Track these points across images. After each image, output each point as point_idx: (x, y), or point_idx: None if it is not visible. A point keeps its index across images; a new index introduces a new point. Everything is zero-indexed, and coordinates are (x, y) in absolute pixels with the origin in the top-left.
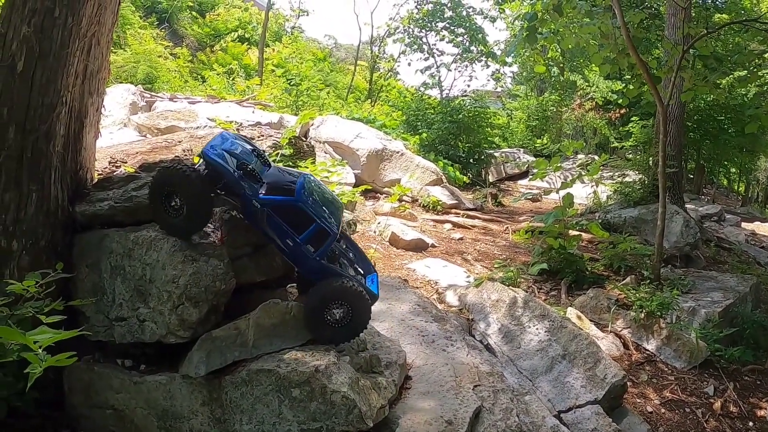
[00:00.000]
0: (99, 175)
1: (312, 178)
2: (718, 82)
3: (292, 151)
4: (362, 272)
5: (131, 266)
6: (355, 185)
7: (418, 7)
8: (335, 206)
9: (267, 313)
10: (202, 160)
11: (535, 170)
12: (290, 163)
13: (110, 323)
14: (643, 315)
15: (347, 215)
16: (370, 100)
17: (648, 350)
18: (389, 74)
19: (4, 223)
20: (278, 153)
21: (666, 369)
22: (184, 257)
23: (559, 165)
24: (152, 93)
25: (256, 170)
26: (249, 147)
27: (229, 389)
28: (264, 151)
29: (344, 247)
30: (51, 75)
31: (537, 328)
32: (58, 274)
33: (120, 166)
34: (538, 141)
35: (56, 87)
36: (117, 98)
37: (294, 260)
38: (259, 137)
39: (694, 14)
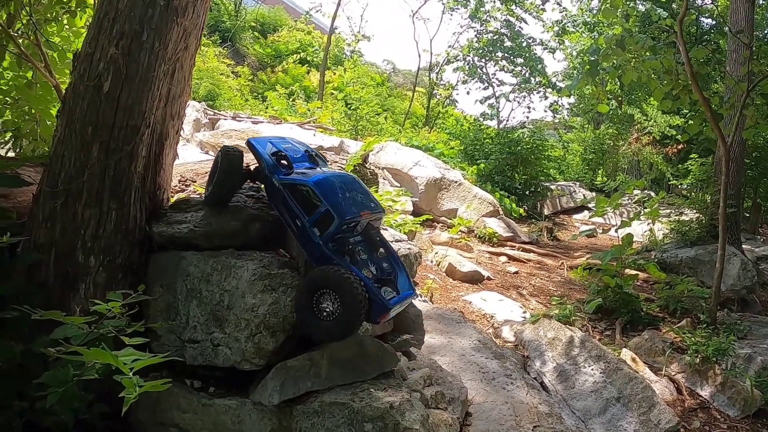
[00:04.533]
0: (170, 194)
1: (347, 176)
2: None
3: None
4: (397, 288)
5: (208, 291)
6: (413, 213)
7: (478, 36)
8: (363, 201)
9: (340, 345)
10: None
11: (590, 204)
12: None
13: (182, 344)
14: (698, 360)
15: (412, 248)
16: (427, 127)
17: (702, 396)
18: (447, 102)
19: (83, 238)
20: None
21: (719, 417)
22: (264, 287)
23: (618, 203)
24: (215, 111)
25: (289, 159)
26: (302, 148)
27: (300, 419)
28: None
29: (381, 253)
30: (136, 97)
31: (592, 369)
32: (139, 296)
33: (189, 185)
34: (598, 178)
35: (141, 109)
36: None
37: (301, 243)
38: None
39: (754, 48)
